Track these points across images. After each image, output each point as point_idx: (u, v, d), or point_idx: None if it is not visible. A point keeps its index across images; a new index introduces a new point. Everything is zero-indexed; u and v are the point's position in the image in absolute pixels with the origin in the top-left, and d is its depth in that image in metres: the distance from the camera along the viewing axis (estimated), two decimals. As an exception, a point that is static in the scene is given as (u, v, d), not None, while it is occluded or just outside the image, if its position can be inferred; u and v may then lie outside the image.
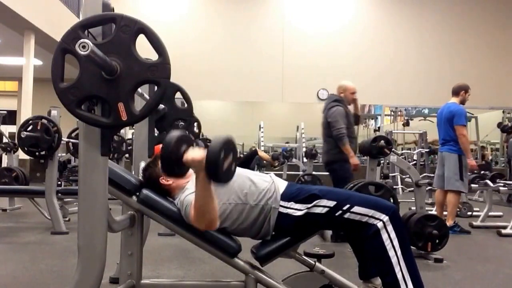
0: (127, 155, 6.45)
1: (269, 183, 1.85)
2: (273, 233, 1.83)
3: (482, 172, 6.42)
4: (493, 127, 9.52)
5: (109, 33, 1.41)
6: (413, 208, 4.29)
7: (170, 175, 1.64)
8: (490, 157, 11.75)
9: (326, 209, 1.77)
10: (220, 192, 1.78)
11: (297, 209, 1.78)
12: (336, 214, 1.76)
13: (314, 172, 7.96)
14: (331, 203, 1.77)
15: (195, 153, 1.49)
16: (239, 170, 1.89)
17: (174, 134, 1.54)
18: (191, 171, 1.92)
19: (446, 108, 4.53)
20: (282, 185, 1.88)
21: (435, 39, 11.20)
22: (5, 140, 6.58)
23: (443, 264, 3.19)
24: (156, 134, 2.67)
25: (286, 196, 1.82)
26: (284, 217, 1.78)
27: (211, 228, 1.64)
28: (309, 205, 1.77)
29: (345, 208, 1.76)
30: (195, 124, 4.12)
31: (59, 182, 5.77)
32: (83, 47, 1.17)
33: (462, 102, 4.55)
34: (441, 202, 4.60)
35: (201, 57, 10.80)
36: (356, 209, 1.75)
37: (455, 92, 4.58)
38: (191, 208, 1.65)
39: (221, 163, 1.43)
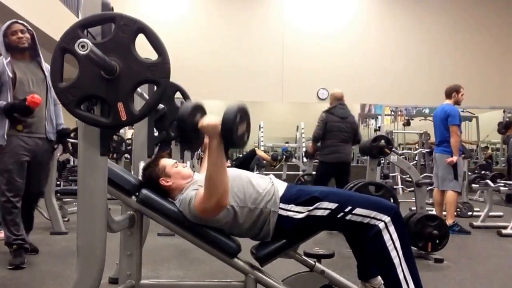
0: (127, 155, 6.45)
1: (268, 186, 1.83)
2: (273, 235, 1.81)
3: (483, 172, 6.42)
4: (493, 127, 9.49)
5: (109, 33, 1.40)
6: (414, 208, 4.29)
7: (185, 143, 1.66)
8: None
9: (327, 212, 1.75)
10: None
11: (297, 212, 1.76)
12: (338, 216, 1.75)
13: (314, 172, 7.94)
14: (333, 205, 1.75)
15: (210, 119, 1.55)
16: (238, 172, 1.88)
17: (190, 103, 1.59)
18: (190, 172, 1.92)
19: (440, 110, 4.58)
20: (281, 187, 1.86)
21: (436, 38, 11.20)
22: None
23: (443, 264, 3.19)
24: (155, 134, 2.67)
25: (286, 198, 1.80)
26: (284, 220, 1.77)
27: (223, 201, 1.63)
28: (310, 208, 1.75)
29: (346, 210, 1.74)
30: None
31: (58, 182, 5.76)
32: (82, 46, 1.17)
33: (457, 102, 4.59)
34: (440, 201, 4.62)
35: (201, 57, 10.79)
36: (357, 210, 1.74)
37: (447, 95, 4.63)
38: (198, 196, 1.66)
39: (236, 127, 1.48)
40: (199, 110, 1.62)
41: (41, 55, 3.05)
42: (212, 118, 1.55)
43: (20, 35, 2.93)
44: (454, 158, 4.40)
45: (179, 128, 1.58)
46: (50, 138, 3.03)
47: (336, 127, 4.49)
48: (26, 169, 2.89)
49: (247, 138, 1.59)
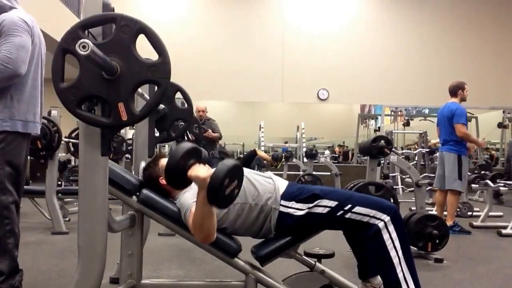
0: (127, 155, 6.46)
1: (269, 183, 1.85)
2: (275, 232, 1.83)
3: (483, 172, 6.42)
4: (493, 127, 9.48)
5: (109, 33, 1.41)
6: (413, 208, 4.28)
7: (171, 186, 1.58)
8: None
9: (327, 209, 1.77)
10: None
11: (298, 209, 1.78)
12: (338, 214, 1.76)
13: (314, 172, 7.96)
14: (333, 203, 1.77)
15: (201, 171, 1.46)
16: None
17: (185, 145, 1.49)
18: None
19: (446, 108, 4.54)
20: (283, 184, 1.88)
21: (436, 39, 11.19)
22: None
23: (443, 264, 3.19)
24: (156, 134, 2.67)
25: (287, 195, 1.82)
26: (285, 217, 1.78)
27: (207, 241, 1.64)
28: (310, 205, 1.77)
29: (346, 208, 1.76)
30: (195, 124, 4.12)
31: (59, 182, 5.77)
32: (83, 47, 1.17)
33: (463, 99, 4.57)
34: (442, 202, 4.60)
35: (201, 57, 10.79)
36: (357, 209, 1.75)
37: (453, 92, 4.59)
38: (190, 216, 1.64)
39: (223, 189, 1.41)
40: (194, 154, 1.52)
41: None
42: (202, 171, 1.46)
43: None
44: (479, 140, 4.42)
45: (166, 169, 1.47)
46: None
47: None
48: None
49: (236, 193, 1.51)
